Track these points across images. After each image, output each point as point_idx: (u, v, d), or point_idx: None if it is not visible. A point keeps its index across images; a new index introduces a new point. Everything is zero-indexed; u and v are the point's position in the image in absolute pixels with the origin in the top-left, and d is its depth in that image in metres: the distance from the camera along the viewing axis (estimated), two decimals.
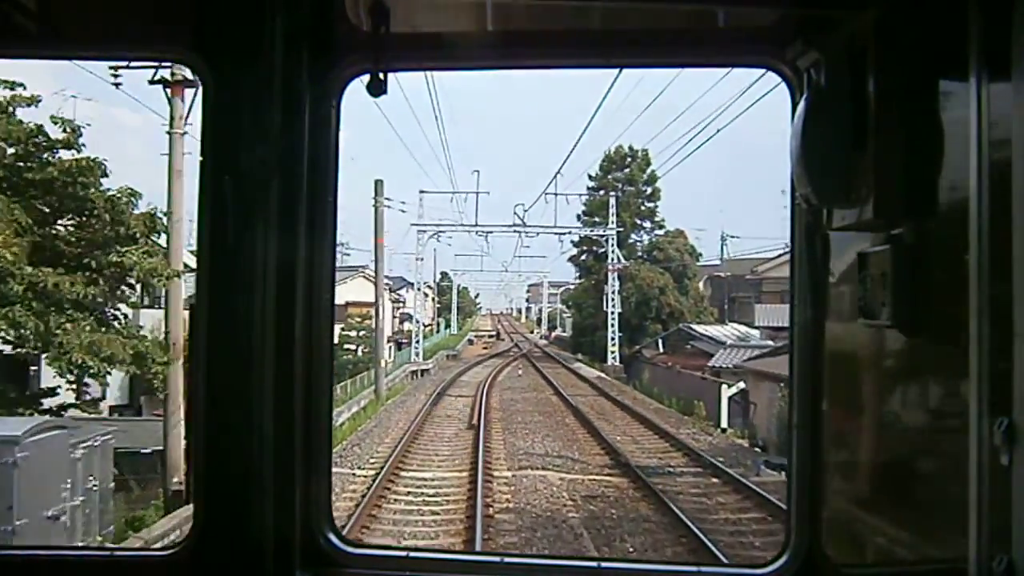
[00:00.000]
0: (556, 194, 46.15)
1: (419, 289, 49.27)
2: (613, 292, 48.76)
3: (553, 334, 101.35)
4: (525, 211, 49.75)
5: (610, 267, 48.27)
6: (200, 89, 2.32)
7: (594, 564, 2.88)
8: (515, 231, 46.58)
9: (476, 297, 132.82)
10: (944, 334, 1.94)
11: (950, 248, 1.88)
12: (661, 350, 45.78)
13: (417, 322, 49.80)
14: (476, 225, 46.94)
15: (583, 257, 60.28)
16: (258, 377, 2.36)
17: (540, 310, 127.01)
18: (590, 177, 56.50)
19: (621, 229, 49.70)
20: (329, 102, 2.55)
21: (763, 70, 2.63)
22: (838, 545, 2.45)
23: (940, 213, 1.94)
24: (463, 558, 4.95)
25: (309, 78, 2.45)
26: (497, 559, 3.35)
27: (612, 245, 47.79)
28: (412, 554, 2.70)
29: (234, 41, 2.35)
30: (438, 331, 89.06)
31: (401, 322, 69.57)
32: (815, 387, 2.48)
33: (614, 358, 48.39)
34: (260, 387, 2.37)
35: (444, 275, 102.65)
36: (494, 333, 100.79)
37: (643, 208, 56.61)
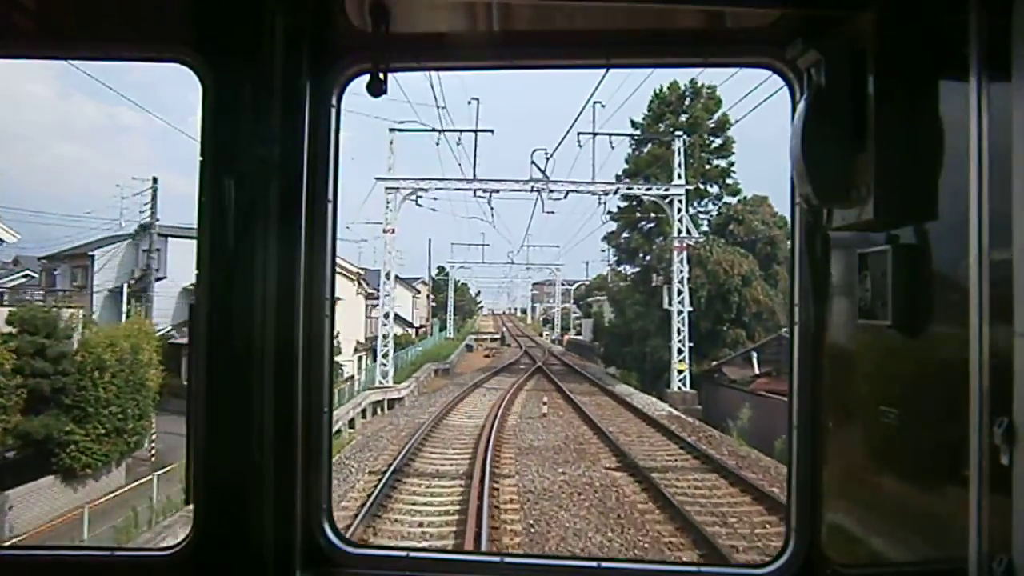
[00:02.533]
0: (594, 134, 26.70)
1: (388, 277, 29.68)
2: (681, 281, 29.27)
3: (566, 337, 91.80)
4: (548, 158, 34.59)
5: (677, 243, 28.46)
6: (200, 89, 2.53)
7: (594, 564, 2.89)
8: (532, 189, 26.73)
9: (477, 295, 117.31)
10: (944, 334, 2.09)
11: (950, 248, 2.04)
12: (757, 370, 25.39)
13: (386, 324, 30.43)
14: (475, 179, 27.01)
15: (624, 235, 40.91)
16: (258, 377, 2.47)
17: (546, 310, 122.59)
18: (633, 124, 37.40)
19: (692, 188, 30.38)
20: (329, 102, 2.67)
21: (763, 70, 2.78)
22: (838, 545, 2.59)
23: (940, 213, 2.10)
24: (463, 558, 4.84)
25: (309, 78, 2.57)
26: (497, 559, 3.45)
27: (680, 209, 28.09)
28: (412, 554, 2.81)
29: (234, 41, 2.46)
30: (432, 335, 79.66)
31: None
32: (815, 387, 2.64)
33: (682, 381, 28.67)
34: (260, 387, 2.48)
35: (441, 269, 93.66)
36: (498, 337, 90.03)
37: (709, 167, 37.29)
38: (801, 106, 2.40)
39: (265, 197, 2.41)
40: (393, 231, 37.62)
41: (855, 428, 2.50)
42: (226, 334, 2.41)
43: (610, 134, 35.31)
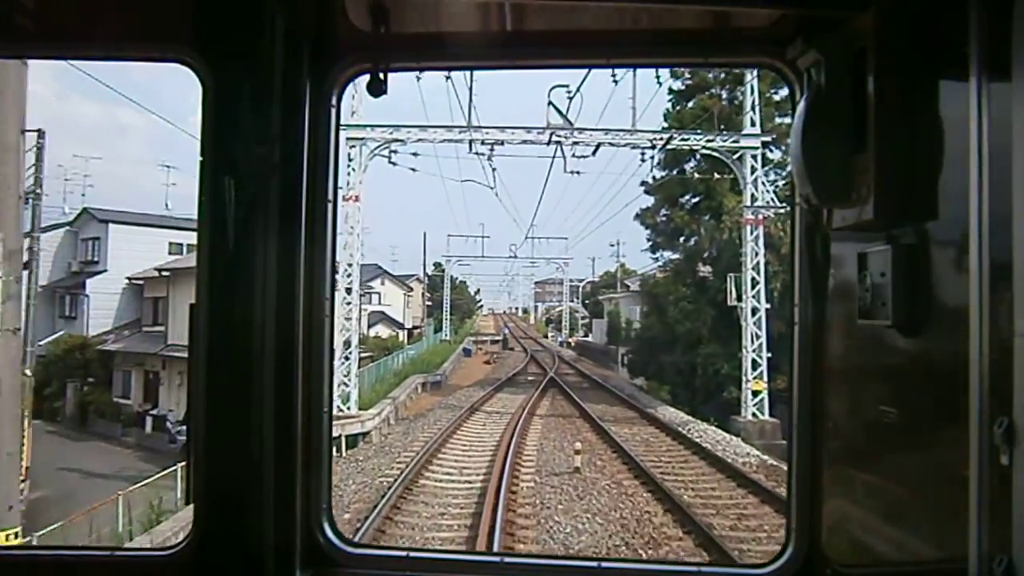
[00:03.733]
0: (635, 67, 14.19)
1: (352, 265, 18.63)
2: (756, 268, 17.71)
3: (574, 339, 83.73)
4: (571, 97, 24.05)
5: (751, 215, 16.77)
6: (200, 89, 2.70)
7: (594, 564, 2.91)
8: (551, 140, 15.01)
9: (476, 293, 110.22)
10: (944, 334, 2.15)
11: (950, 248, 2.14)
12: None
13: (349, 328, 19.41)
14: (470, 127, 15.23)
15: (663, 212, 31.05)
16: (258, 377, 2.57)
17: (549, 309, 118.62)
18: (674, 75, 27.51)
19: (769, 140, 19.73)
20: (329, 102, 2.78)
21: (764, 69, 3.05)
22: (838, 545, 2.66)
23: (940, 213, 2.18)
24: (463, 558, 4.69)
25: (309, 77, 2.67)
26: (497, 559, 3.63)
27: (754, 167, 16.57)
28: (412, 554, 2.88)
29: (234, 41, 2.55)
30: (426, 336, 69.55)
31: (371, 326, 50.38)
32: (815, 387, 2.75)
33: (758, 407, 17.06)
34: (260, 387, 2.56)
35: (437, 265, 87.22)
36: (499, 339, 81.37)
37: (771, 125, 27.26)
38: (801, 106, 2.51)
39: (265, 197, 2.49)
40: (357, 199, 27.91)
41: (855, 428, 2.62)
42: (226, 334, 2.51)
43: (657, 65, 25.47)
